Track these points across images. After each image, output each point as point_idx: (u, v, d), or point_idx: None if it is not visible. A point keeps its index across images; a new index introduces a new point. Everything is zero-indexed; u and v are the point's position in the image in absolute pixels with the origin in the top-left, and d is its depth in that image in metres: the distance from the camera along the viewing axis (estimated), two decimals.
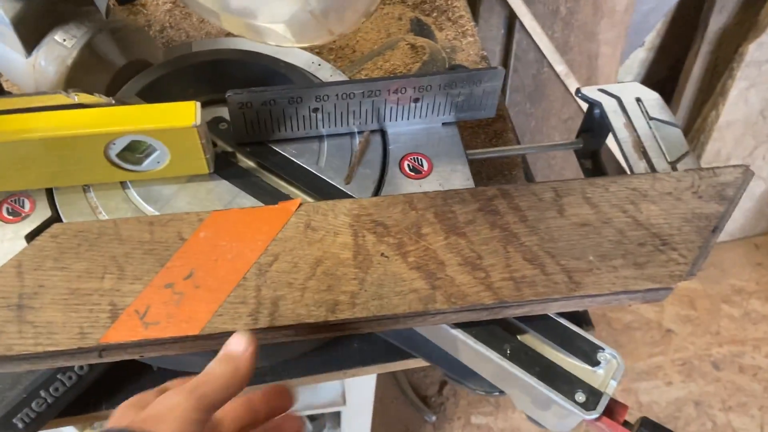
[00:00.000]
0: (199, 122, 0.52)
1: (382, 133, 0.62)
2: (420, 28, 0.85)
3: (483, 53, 0.83)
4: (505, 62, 1.42)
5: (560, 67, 1.35)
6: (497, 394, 0.56)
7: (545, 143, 0.72)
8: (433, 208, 0.52)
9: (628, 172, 0.61)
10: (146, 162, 0.55)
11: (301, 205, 0.52)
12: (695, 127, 1.65)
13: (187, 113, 0.52)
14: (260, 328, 0.46)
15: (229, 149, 0.60)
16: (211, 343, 0.47)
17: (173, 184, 0.57)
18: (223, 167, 0.58)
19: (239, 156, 0.60)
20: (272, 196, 0.57)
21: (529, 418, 0.54)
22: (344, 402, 1.06)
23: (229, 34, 0.81)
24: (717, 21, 1.50)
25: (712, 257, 1.97)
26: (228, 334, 0.46)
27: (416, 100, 0.59)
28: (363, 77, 0.74)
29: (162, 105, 0.53)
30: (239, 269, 0.48)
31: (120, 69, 0.61)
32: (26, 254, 0.47)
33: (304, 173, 0.58)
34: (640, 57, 1.86)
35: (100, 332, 0.44)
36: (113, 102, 0.53)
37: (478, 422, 1.57)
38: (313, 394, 1.08)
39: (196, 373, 0.58)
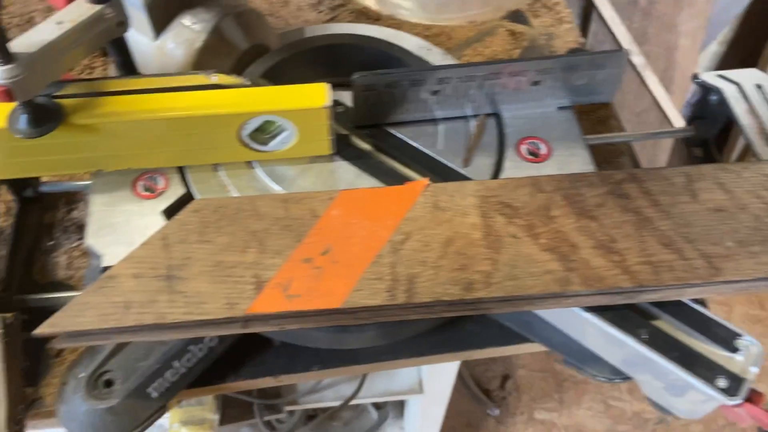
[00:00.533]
0: (329, 103, 0.53)
1: (497, 116, 0.62)
2: (515, 15, 0.84)
3: (582, 41, 0.82)
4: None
5: (637, 59, 1.33)
6: (619, 380, 0.55)
7: (654, 131, 0.70)
8: (561, 190, 0.52)
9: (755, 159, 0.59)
10: (273, 143, 0.56)
11: (428, 185, 0.52)
12: None
13: (318, 94, 0.53)
14: (397, 304, 0.46)
15: (344, 132, 0.61)
16: (348, 317, 0.48)
17: (297, 164, 0.58)
18: (342, 149, 0.59)
19: (354, 139, 0.61)
20: (392, 178, 0.57)
21: (655, 405, 0.53)
22: (421, 390, 1.06)
23: (332, 20, 0.82)
24: None
25: None
26: (367, 309, 0.47)
27: (536, 83, 0.59)
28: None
29: (294, 86, 0.54)
30: (373, 247, 0.49)
31: (243, 53, 0.62)
32: (171, 228, 0.49)
33: (421, 156, 0.59)
34: (712, 50, 1.81)
35: (246, 303, 0.46)
36: (249, 83, 0.54)
37: (542, 418, 1.56)
38: (390, 381, 1.09)
39: (317, 349, 0.60)
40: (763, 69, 1.60)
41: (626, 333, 0.49)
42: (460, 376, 1.60)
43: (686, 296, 0.50)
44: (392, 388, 1.07)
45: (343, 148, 0.59)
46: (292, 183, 0.56)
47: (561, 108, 0.62)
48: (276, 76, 0.61)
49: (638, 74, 1.35)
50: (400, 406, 1.44)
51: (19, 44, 0.46)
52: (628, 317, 0.50)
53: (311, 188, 0.56)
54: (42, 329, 0.44)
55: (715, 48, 1.81)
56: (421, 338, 0.60)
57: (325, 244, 0.49)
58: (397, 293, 0.47)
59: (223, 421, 1.04)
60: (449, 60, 0.67)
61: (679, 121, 1.26)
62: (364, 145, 0.60)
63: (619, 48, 0.56)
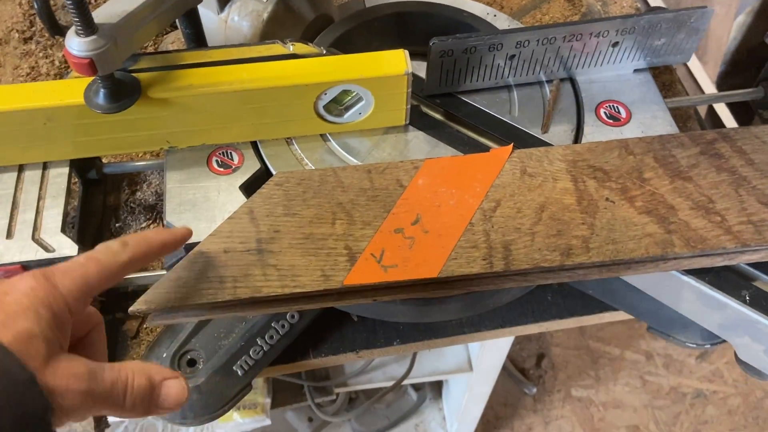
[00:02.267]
0: (410, 70, 0.51)
1: (572, 81, 0.60)
2: None
3: (638, 5, 0.80)
4: None
5: None
6: (709, 346, 0.54)
7: (724, 93, 0.69)
8: (652, 152, 0.51)
9: None
10: (348, 114, 0.54)
11: (513, 152, 0.51)
12: None
13: (398, 62, 0.52)
14: (496, 272, 0.45)
15: (415, 102, 0.59)
16: (443, 288, 0.47)
17: (371, 136, 0.56)
18: (415, 119, 0.57)
19: (426, 109, 0.59)
20: (469, 146, 0.56)
21: (749, 370, 0.52)
22: (471, 368, 1.06)
23: None
24: None
25: None
26: (464, 279, 0.45)
27: (615, 44, 0.57)
28: None
29: (371, 54, 0.53)
30: (464, 215, 0.47)
31: (309, 23, 0.60)
32: (256, 201, 0.48)
33: (498, 123, 0.57)
34: (738, 21, 1.78)
35: (341, 275, 0.44)
36: (325, 52, 0.53)
37: (579, 395, 1.55)
38: (438, 360, 1.08)
39: (396, 323, 0.58)
40: None
41: (728, 295, 0.48)
42: None
43: None
44: (441, 368, 1.07)
45: (416, 119, 0.57)
46: (368, 155, 0.55)
47: (637, 71, 0.60)
48: (343, 46, 0.60)
49: None
50: (438, 387, 1.43)
51: (101, 14, 0.45)
52: (729, 279, 0.48)
53: (388, 159, 0.55)
54: (137, 306, 0.43)
55: (741, 18, 1.78)
56: (502, 310, 0.59)
57: (415, 214, 0.47)
58: (494, 261, 0.45)
59: (275, 404, 1.03)
60: (516, 25, 0.65)
61: (711, 90, 1.23)
62: (437, 115, 0.59)
63: (705, 6, 0.54)
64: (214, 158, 0.54)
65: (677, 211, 0.48)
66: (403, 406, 1.41)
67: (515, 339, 1.78)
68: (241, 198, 0.52)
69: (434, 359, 1.08)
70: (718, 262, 0.48)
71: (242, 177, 0.53)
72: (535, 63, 0.58)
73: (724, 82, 2.01)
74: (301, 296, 0.45)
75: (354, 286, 0.45)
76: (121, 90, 0.48)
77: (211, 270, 0.44)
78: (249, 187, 0.53)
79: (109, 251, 0.37)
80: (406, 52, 0.52)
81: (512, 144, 0.52)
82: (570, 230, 0.47)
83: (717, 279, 0.48)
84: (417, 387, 1.41)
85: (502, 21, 0.64)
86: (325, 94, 0.52)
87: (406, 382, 1.04)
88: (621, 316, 0.58)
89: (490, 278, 0.46)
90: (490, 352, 0.98)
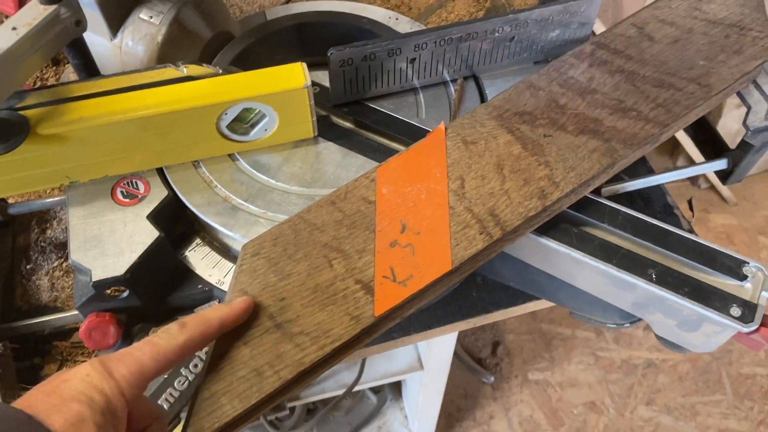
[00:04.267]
0: (309, 83, 0.51)
1: (475, 78, 0.61)
2: None
3: None
4: None
5: None
6: (628, 325, 0.56)
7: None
8: (554, 81, 0.55)
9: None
10: (254, 131, 0.54)
11: (446, 129, 0.52)
12: None
13: (296, 75, 0.51)
14: (497, 239, 0.47)
15: (323, 112, 0.59)
16: (456, 274, 0.47)
17: (280, 151, 0.56)
18: (324, 130, 0.57)
19: (335, 118, 0.59)
20: (380, 152, 0.56)
21: (667, 344, 0.54)
22: (422, 366, 1.06)
23: (289, 1, 0.79)
24: None
25: (742, 191, 1.97)
26: (473, 258, 0.46)
27: (512, 39, 0.58)
28: None
29: (269, 69, 0.52)
30: (441, 203, 0.48)
31: (207, 42, 0.59)
32: (243, 281, 0.45)
33: (406, 127, 0.58)
34: None
35: (369, 309, 0.43)
36: (221, 72, 0.52)
37: (536, 378, 1.58)
38: (389, 362, 1.08)
39: None
40: None
41: (635, 275, 0.49)
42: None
43: (694, 118, 0.55)
44: (392, 369, 1.07)
45: (325, 129, 0.57)
46: (279, 170, 0.54)
47: (537, 63, 0.62)
48: (245, 63, 0.59)
49: None
50: (397, 387, 1.44)
51: None
52: (636, 260, 0.50)
53: (298, 174, 0.54)
54: None
55: None
56: (429, 311, 0.59)
57: (398, 222, 0.48)
58: (490, 230, 0.47)
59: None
60: (418, 28, 0.65)
61: None
62: (346, 123, 0.59)
63: None
64: (119, 189, 0.53)
65: (602, 121, 0.52)
66: (364, 410, 1.40)
67: (470, 330, 1.80)
68: (148, 228, 0.51)
69: (385, 361, 1.08)
70: (649, 149, 0.53)
71: (149, 206, 0.52)
72: (436, 64, 0.58)
73: None
74: (343, 347, 0.43)
75: (384, 314, 0.44)
76: (8, 130, 0.46)
77: (241, 368, 0.41)
78: (157, 216, 0.51)
79: (166, 334, 0.37)
80: (305, 64, 0.52)
81: (442, 123, 0.52)
82: (533, 175, 0.49)
83: (625, 260, 0.50)
84: (376, 389, 1.41)
85: (404, 24, 0.65)
86: (226, 114, 0.51)
87: (357, 387, 1.04)
88: (544, 304, 0.59)
89: (492, 248, 0.47)
90: (438, 348, 0.98)
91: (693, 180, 1.89)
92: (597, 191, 0.57)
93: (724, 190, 1.82)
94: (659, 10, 0.60)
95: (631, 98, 0.54)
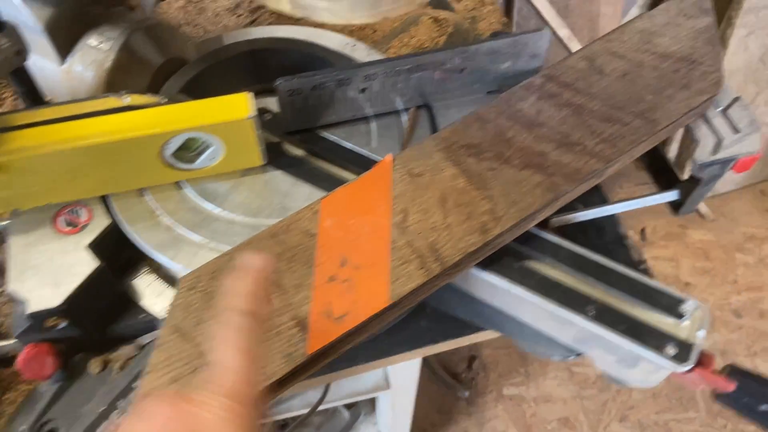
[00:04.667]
0: (254, 113, 0.51)
1: (428, 108, 0.61)
2: (439, 1, 0.84)
3: (505, 20, 0.82)
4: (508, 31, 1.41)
5: (563, 32, 1.35)
6: (573, 357, 0.56)
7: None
8: (502, 113, 0.55)
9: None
10: (200, 159, 0.54)
11: (393, 160, 0.52)
12: None
13: (240, 105, 0.51)
14: (437, 274, 0.46)
15: (276, 140, 0.59)
16: (396, 310, 0.47)
17: (228, 179, 0.56)
18: (274, 158, 0.57)
19: (286, 146, 0.59)
20: (329, 182, 0.56)
21: (610, 378, 0.54)
22: (388, 386, 1.06)
23: (253, 23, 0.79)
24: None
25: (721, 207, 1.99)
26: (411, 294, 0.46)
27: (461, 71, 0.59)
28: (392, 55, 0.73)
29: (214, 99, 0.52)
30: (382, 236, 0.48)
31: (158, 68, 0.59)
32: (177, 317, 0.44)
33: (356, 156, 0.58)
34: (633, 14, 1.86)
35: (301, 347, 0.43)
36: (164, 101, 0.52)
37: (510, 393, 1.58)
38: (356, 381, 1.08)
39: None
40: None
41: (574, 311, 0.49)
42: (428, 363, 1.60)
43: (640, 153, 0.56)
44: (359, 389, 1.07)
45: (275, 157, 0.57)
46: (225, 199, 0.54)
47: (490, 92, 0.62)
48: (197, 89, 0.59)
49: (565, 46, 1.37)
50: (371, 403, 1.43)
51: None
52: (575, 297, 0.50)
53: (245, 203, 0.54)
54: None
55: (636, 11, 1.85)
56: (377, 340, 0.59)
57: (339, 256, 0.47)
58: (430, 266, 0.47)
59: None
60: (374, 55, 0.65)
61: None
62: (297, 151, 0.59)
63: (540, 27, 0.56)
64: (61, 217, 0.52)
65: (547, 155, 0.53)
66: (336, 426, 1.40)
67: None
68: (88, 257, 0.50)
69: (352, 381, 1.07)
70: (596, 181, 0.54)
71: (90, 235, 0.52)
72: (388, 93, 0.58)
73: None
74: (278, 383, 0.43)
75: (319, 351, 0.44)
76: None
77: None
78: (99, 245, 0.51)
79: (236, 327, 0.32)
80: (250, 94, 0.52)
81: (390, 155, 0.52)
82: (476, 209, 0.49)
83: (564, 296, 0.50)
84: (349, 405, 1.41)
85: (360, 51, 0.65)
86: (169, 143, 0.51)
87: (322, 407, 1.03)
88: (492, 335, 0.59)
89: (432, 282, 0.47)
90: (402, 369, 0.98)
91: None
92: (545, 223, 0.57)
93: (701, 206, 1.83)
94: (611, 43, 0.60)
95: (577, 132, 0.54)
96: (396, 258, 0.48)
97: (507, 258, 0.52)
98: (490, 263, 0.51)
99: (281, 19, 0.81)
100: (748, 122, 0.59)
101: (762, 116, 1.68)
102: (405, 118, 0.60)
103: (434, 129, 0.60)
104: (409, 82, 0.58)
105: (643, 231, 0.67)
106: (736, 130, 0.59)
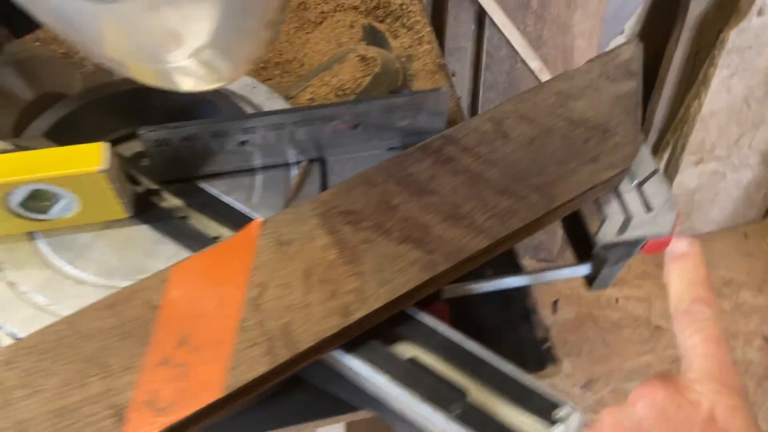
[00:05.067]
0: (106, 166, 0.47)
1: (322, 162, 0.57)
2: (374, 37, 0.79)
3: (440, 62, 0.77)
4: (478, 59, 1.36)
5: (534, 63, 1.30)
6: None
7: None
8: (392, 177, 0.50)
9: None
10: (54, 209, 0.49)
11: (263, 224, 0.47)
12: (678, 117, 1.60)
13: (92, 156, 0.47)
14: (283, 362, 0.42)
15: (155, 186, 0.55)
16: (240, 401, 0.42)
17: (89, 231, 0.52)
18: (145, 209, 0.53)
19: (165, 194, 0.55)
20: (196, 241, 0.52)
21: None
22: None
23: None
24: (697, 6, 1.44)
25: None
26: (254, 383, 0.42)
27: (355, 127, 0.54)
28: (309, 96, 0.69)
29: (66, 148, 0.48)
30: (231, 313, 0.44)
31: (28, 104, 0.55)
32: None
33: (233, 213, 0.53)
34: (618, 41, 1.81)
35: None
36: (10, 147, 0.47)
37: None
38: None
39: None
40: (669, 61, 1.59)
41: (438, 408, 0.45)
42: None
43: (538, 231, 0.51)
44: None
45: (146, 208, 0.53)
46: (79, 255, 0.50)
47: (392, 149, 0.57)
48: (67, 129, 0.55)
49: (537, 78, 1.33)
50: None
51: None
52: (443, 389, 0.45)
53: (100, 260, 0.50)
54: None
55: (622, 41, 1.80)
56: (246, 414, 0.55)
57: (178, 334, 0.43)
58: (278, 351, 0.42)
59: None
60: (275, 98, 0.61)
61: None
62: (173, 204, 0.54)
63: (438, 87, 0.52)
64: None
65: (431, 228, 0.47)
66: None
67: None
68: None
69: None
70: (484, 259, 0.49)
71: None
72: (274, 146, 0.54)
73: None
74: None
75: None
76: None
77: None
78: None
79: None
80: (107, 145, 0.48)
81: (260, 217, 0.48)
82: (342, 287, 0.45)
83: (430, 389, 0.45)
84: None
85: (259, 94, 0.61)
86: (12, 194, 0.47)
87: None
88: (367, 414, 0.55)
89: (280, 370, 0.42)
90: None
91: None
92: (436, 294, 0.53)
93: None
94: (523, 104, 0.56)
95: (469, 204, 0.49)
96: (242, 340, 0.43)
97: (373, 341, 0.47)
98: (353, 345, 0.47)
99: None
100: (663, 200, 0.55)
101: (745, 158, 1.63)
102: (295, 172, 0.56)
103: (325, 186, 0.55)
104: (293, 136, 0.53)
105: (555, 303, 0.62)
106: (648, 208, 0.54)
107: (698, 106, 1.50)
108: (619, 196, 0.55)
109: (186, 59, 0.41)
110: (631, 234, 0.52)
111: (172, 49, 0.41)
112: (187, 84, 0.45)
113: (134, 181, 0.55)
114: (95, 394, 0.41)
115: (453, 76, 1.42)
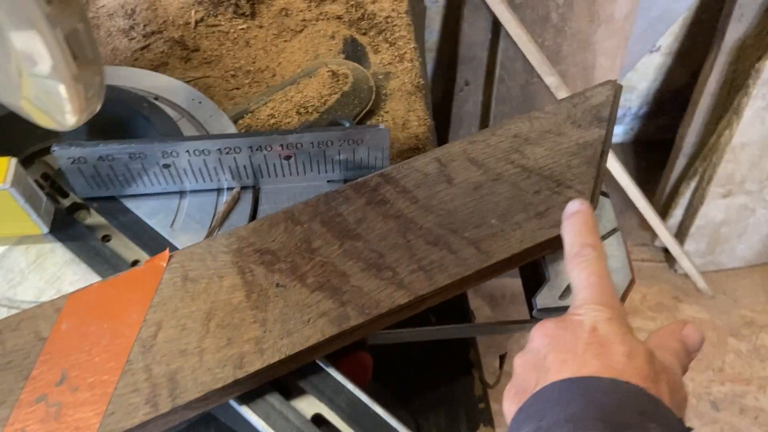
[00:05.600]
0: (9, 184, 0.45)
1: (255, 190, 0.53)
2: (354, 50, 0.75)
3: (420, 81, 0.73)
4: (491, 70, 1.30)
5: (550, 79, 1.23)
6: None
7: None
8: (318, 216, 0.47)
9: None
10: None
11: (171, 256, 0.44)
12: (708, 146, 1.50)
13: None
14: (162, 414, 0.39)
15: (79, 201, 0.52)
16: None
17: (1, 244, 0.50)
18: (63, 226, 0.50)
19: (82, 213, 0.52)
20: (109, 265, 0.49)
21: None
22: None
23: (145, 49, 0.73)
24: (736, 30, 1.35)
25: (723, 284, 1.82)
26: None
27: (288, 158, 0.51)
28: (269, 111, 0.66)
29: None
30: (120, 353, 0.41)
31: None
32: None
33: (153, 237, 0.50)
34: (656, 62, 1.71)
35: None
36: None
37: None
38: None
39: None
40: (703, 85, 1.50)
41: None
42: None
43: (469, 288, 0.48)
44: None
45: (64, 225, 0.51)
46: None
47: (332, 181, 0.54)
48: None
49: (553, 95, 1.26)
50: None
51: None
52: None
53: (7, 276, 0.48)
54: None
55: (659, 59, 1.71)
56: None
57: (60, 370, 0.40)
58: (159, 400, 0.39)
59: None
60: (219, 117, 0.58)
61: None
62: (96, 221, 0.52)
63: (377, 125, 0.48)
64: None
65: (349, 277, 0.44)
66: None
67: None
68: None
69: None
70: (405, 315, 0.45)
71: None
72: (201, 171, 0.51)
73: (650, 122, 1.95)
74: None
75: None
76: None
77: None
78: None
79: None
80: (14, 160, 0.45)
81: (167, 249, 0.45)
82: (241, 335, 0.42)
83: None
84: None
85: (203, 111, 0.58)
86: None
87: None
88: None
89: (160, 419, 0.40)
90: None
91: (670, 263, 1.75)
92: (362, 343, 0.49)
93: (699, 280, 1.68)
94: (474, 145, 0.51)
95: (395, 254, 0.45)
96: (125, 384, 0.40)
97: (272, 393, 0.44)
98: (249, 397, 0.44)
99: (174, 48, 0.74)
100: (619, 264, 0.49)
101: None
102: (225, 198, 0.53)
103: (254, 215, 0.52)
104: (223, 162, 0.50)
105: (502, 358, 0.57)
106: None
107: (729, 135, 1.41)
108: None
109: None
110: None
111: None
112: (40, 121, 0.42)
113: (62, 194, 0.53)
114: None
115: (467, 85, 1.37)
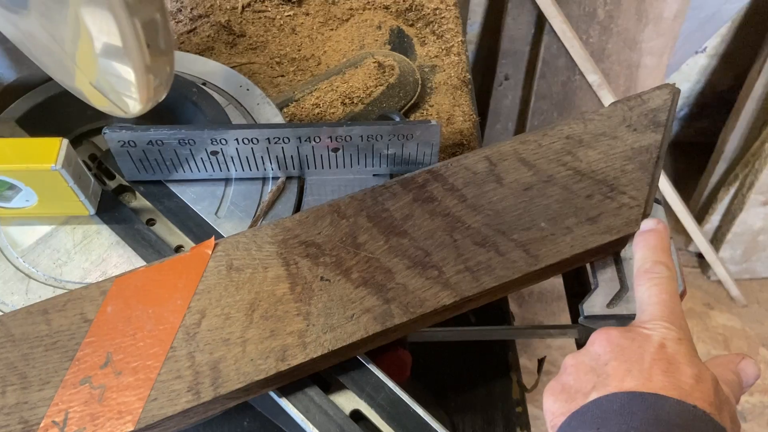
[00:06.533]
0: (59, 165, 0.45)
1: (301, 180, 0.53)
2: (400, 41, 0.74)
3: (467, 76, 0.72)
4: (533, 65, 1.28)
5: (593, 77, 1.21)
6: None
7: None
8: (364, 210, 0.46)
9: None
10: (15, 199, 0.48)
11: (216, 244, 0.44)
12: (751, 151, 1.46)
13: (49, 152, 0.45)
14: (207, 401, 0.39)
15: (126, 183, 0.53)
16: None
17: (49, 224, 0.50)
18: (111, 207, 0.51)
19: (127, 196, 0.53)
20: (154, 249, 0.49)
21: None
22: None
23: (191, 32, 0.72)
24: None
25: (757, 293, 1.78)
26: (170, 419, 0.40)
27: (335, 150, 0.50)
28: (313, 101, 0.65)
29: (26, 141, 0.46)
30: (164, 339, 0.41)
31: (8, 86, 0.54)
32: None
33: (198, 224, 0.50)
34: (700, 63, 1.67)
35: None
36: None
37: None
38: None
39: None
40: (749, 89, 1.45)
41: None
42: None
43: (513, 291, 0.47)
44: None
45: (110, 207, 0.51)
46: (32, 248, 0.49)
47: (377, 175, 0.53)
48: (47, 115, 0.53)
49: (594, 94, 1.24)
50: None
51: None
52: None
53: (51, 257, 0.48)
54: None
55: (704, 61, 1.66)
56: None
57: (104, 353, 0.41)
58: (201, 389, 0.40)
59: None
60: (266, 105, 0.58)
61: None
62: (142, 205, 0.52)
63: (428, 120, 0.47)
64: None
65: (394, 274, 0.44)
66: None
67: None
68: None
69: None
70: (448, 315, 0.45)
71: None
72: (248, 159, 0.51)
73: (690, 125, 1.90)
74: None
75: None
76: None
77: None
78: None
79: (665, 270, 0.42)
80: (65, 142, 0.46)
81: (213, 237, 0.45)
82: (284, 327, 0.42)
83: None
84: None
85: (251, 98, 0.57)
86: None
87: None
88: None
89: (202, 408, 0.40)
90: None
91: (703, 269, 1.72)
92: (402, 341, 0.48)
93: (732, 287, 1.65)
94: (525, 145, 0.50)
95: (441, 253, 0.45)
96: (168, 370, 0.40)
97: (313, 387, 0.44)
98: (290, 390, 0.43)
99: (220, 33, 0.74)
100: None
101: None
102: (270, 187, 0.52)
103: (299, 207, 0.52)
104: (267, 152, 0.50)
105: (541, 361, 0.56)
106: None
107: None
108: (617, 262, 0.48)
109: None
110: (622, 308, 0.46)
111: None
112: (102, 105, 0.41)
113: (109, 176, 0.54)
114: (10, 405, 0.39)
115: (506, 80, 1.35)
